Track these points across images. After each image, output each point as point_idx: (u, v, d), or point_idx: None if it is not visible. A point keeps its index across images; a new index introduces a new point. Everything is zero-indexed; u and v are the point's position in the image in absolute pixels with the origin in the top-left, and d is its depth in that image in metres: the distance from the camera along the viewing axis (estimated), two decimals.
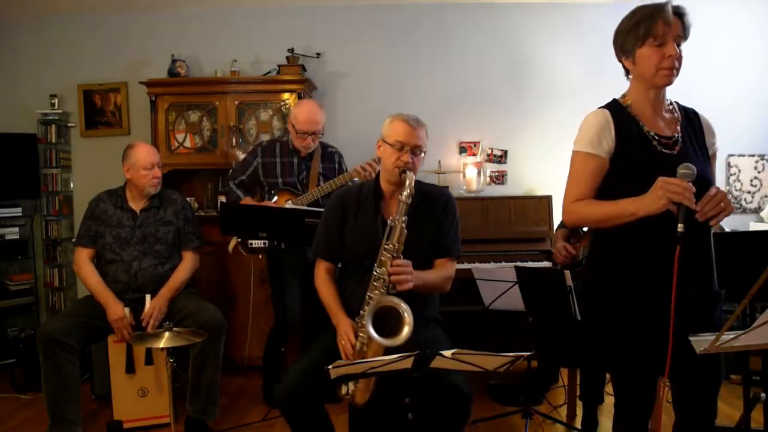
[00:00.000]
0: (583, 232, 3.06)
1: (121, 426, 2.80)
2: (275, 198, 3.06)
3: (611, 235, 1.69)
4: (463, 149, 4.22)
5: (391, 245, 1.98)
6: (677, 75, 1.65)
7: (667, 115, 1.72)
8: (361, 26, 4.22)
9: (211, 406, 2.78)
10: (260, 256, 3.18)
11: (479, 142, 4.22)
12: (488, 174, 4.23)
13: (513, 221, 3.80)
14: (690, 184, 1.50)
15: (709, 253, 1.68)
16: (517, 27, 4.19)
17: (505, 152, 4.23)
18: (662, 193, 1.51)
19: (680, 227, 1.49)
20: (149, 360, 2.86)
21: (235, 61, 4.06)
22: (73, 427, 2.64)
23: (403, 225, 1.99)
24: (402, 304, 1.91)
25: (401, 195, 2.01)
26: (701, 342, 1.40)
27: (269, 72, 4.05)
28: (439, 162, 4.09)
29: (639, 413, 1.75)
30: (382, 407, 2.00)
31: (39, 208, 4.18)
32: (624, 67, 1.74)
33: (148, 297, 2.81)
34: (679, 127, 1.69)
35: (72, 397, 2.65)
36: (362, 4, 4.19)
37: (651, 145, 1.65)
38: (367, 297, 1.99)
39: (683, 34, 1.63)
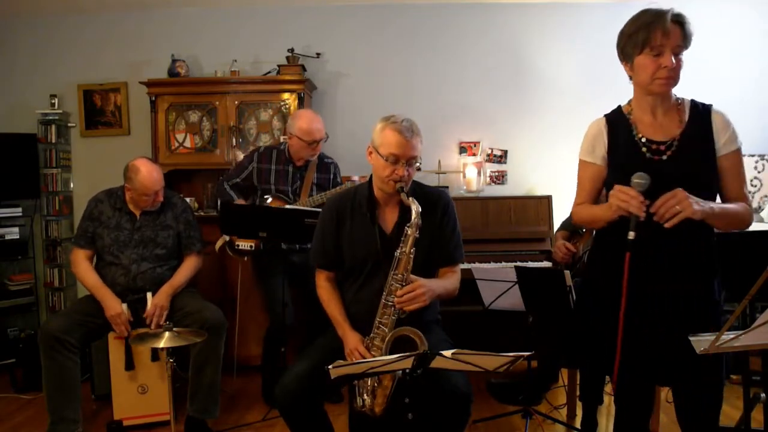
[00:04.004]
0: (583, 231, 3.07)
1: (121, 426, 2.80)
2: (269, 200, 3.07)
3: (599, 237, 1.81)
4: (463, 149, 4.22)
5: (399, 275, 1.95)
6: (676, 83, 1.63)
7: (670, 118, 1.69)
8: (361, 26, 4.22)
9: (212, 405, 2.78)
10: (245, 259, 3.19)
11: (479, 142, 4.22)
12: (488, 174, 4.23)
13: (513, 221, 3.80)
14: (637, 192, 1.53)
15: (708, 257, 1.66)
16: (517, 27, 4.19)
17: (505, 152, 4.23)
18: (612, 201, 1.58)
19: (631, 234, 1.54)
20: (155, 356, 2.84)
21: (235, 61, 4.05)
22: (73, 427, 2.64)
23: (411, 256, 1.95)
24: (421, 337, 1.88)
25: (408, 228, 1.96)
26: (701, 342, 1.41)
27: (269, 72, 4.05)
28: (439, 162, 4.09)
29: (638, 415, 1.76)
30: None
31: (39, 208, 4.18)
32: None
33: (149, 295, 2.82)
34: (680, 131, 1.66)
35: (72, 396, 2.65)
36: (362, 4, 4.19)
37: (639, 151, 1.66)
38: (376, 322, 1.98)
39: (683, 43, 1.59)
